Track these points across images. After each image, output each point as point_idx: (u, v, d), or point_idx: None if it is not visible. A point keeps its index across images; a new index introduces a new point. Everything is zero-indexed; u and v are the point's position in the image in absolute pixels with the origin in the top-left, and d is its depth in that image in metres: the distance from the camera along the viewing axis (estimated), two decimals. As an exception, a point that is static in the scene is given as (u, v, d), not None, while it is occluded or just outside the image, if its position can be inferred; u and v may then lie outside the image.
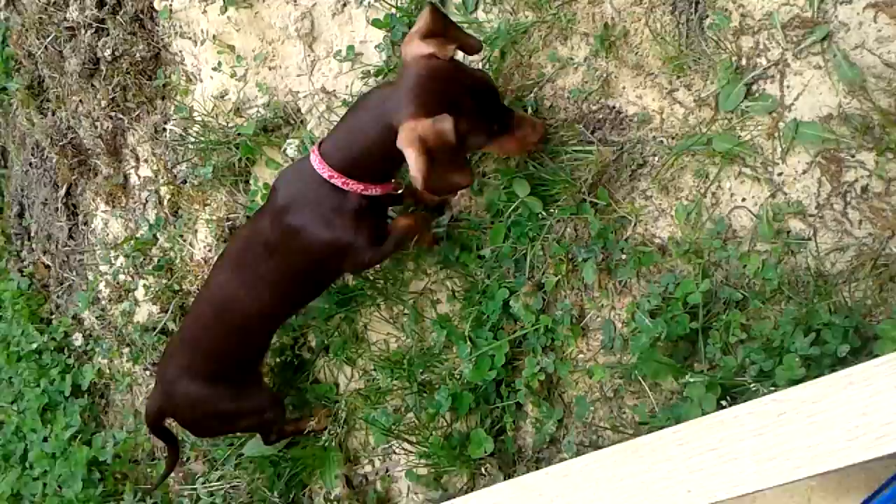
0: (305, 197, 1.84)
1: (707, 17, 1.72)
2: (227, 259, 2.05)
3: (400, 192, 1.89)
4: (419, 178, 1.55)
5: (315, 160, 1.79)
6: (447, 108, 1.58)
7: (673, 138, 1.78)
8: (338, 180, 1.77)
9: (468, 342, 1.99)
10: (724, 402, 1.59)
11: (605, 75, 1.85)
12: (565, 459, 1.84)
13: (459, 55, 1.76)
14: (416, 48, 1.66)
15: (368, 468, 2.33)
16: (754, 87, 1.68)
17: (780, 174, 1.66)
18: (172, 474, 2.59)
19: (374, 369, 2.24)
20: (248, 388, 2.22)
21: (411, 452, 2.10)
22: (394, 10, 2.14)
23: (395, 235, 1.94)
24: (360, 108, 1.79)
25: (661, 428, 1.28)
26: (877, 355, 1.39)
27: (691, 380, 1.63)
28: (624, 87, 1.84)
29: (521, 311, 1.94)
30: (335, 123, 1.91)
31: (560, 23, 1.89)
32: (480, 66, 2.01)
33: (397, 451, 2.18)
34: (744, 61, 1.69)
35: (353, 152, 1.76)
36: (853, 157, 1.58)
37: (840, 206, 1.60)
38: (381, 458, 2.28)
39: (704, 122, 1.73)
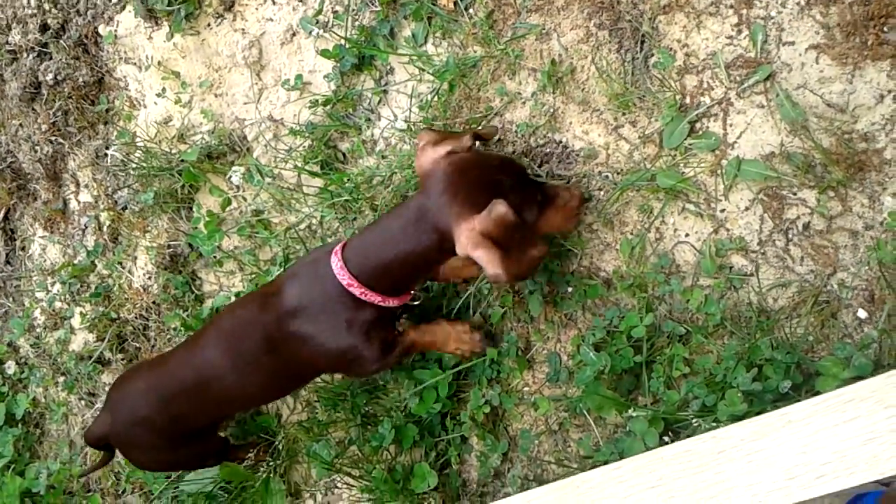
0: (319, 304, 1.73)
1: (652, 55, 1.75)
2: (222, 337, 1.91)
3: (417, 302, 1.84)
4: (501, 274, 1.47)
5: (336, 265, 1.68)
6: (491, 192, 1.52)
7: (618, 173, 1.80)
8: (356, 290, 1.67)
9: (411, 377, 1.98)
10: (666, 438, 1.59)
11: (552, 110, 1.87)
12: (509, 494, 1.83)
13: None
14: (432, 153, 1.61)
15: (310, 502, 2.28)
16: (698, 125, 1.70)
17: (722, 210, 1.68)
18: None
19: (318, 401, 2.21)
20: (202, 440, 2.16)
21: (354, 486, 2.07)
22: (343, 41, 2.13)
23: (402, 348, 1.85)
24: (394, 217, 1.67)
25: (606, 462, 1.28)
26: (818, 392, 1.41)
27: (634, 414, 1.63)
28: (571, 123, 1.85)
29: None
30: (362, 230, 1.81)
31: (508, 58, 1.90)
32: (429, 98, 2.01)
33: (339, 485, 2.15)
34: (688, 99, 1.71)
35: (382, 263, 1.65)
36: (795, 194, 1.61)
37: (782, 243, 1.63)
38: (322, 492, 2.24)
39: (649, 158, 1.75)
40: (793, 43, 1.59)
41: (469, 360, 1.93)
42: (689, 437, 1.21)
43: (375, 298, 1.68)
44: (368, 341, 1.75)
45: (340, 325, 1.73)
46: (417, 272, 1.68)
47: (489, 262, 1.47)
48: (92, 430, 2.15)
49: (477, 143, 1.67)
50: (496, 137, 1.78)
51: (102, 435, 2.12)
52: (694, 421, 1.57)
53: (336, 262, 1.68)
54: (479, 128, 1.72)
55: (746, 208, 1.66)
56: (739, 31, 1.65)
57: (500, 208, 1.48)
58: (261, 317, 1.80)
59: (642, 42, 1.76)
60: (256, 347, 1.82)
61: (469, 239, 1.49)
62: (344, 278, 1.67)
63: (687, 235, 1.73)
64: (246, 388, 1.90)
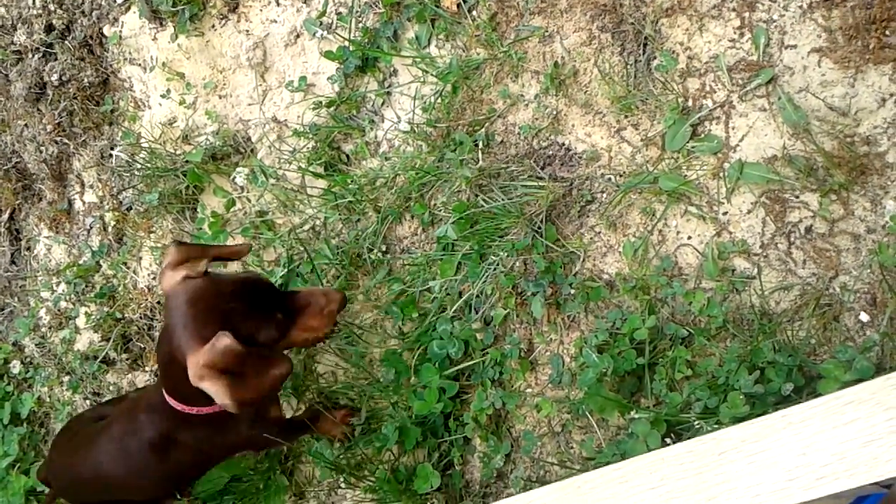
0: (182, 420, 1.78)
1: (655, 58, 1.75)
2: (112, 437, 1.97)
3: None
4: (229, 403, 1.50)
5: (170, 401, 1.75)
6: (219, 322, 1.53)
7: (621, 176, 1.80)
8: (191, 410, 1.73)
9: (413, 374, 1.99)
10: (668, 439, 1.59)
11: (554, 113, 1.87)
12: (512, 495, 1.83)
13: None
14: (169, 279, 1.62)
15: (314, 503, 2.29)
16: (700, 128, 1.70)
17: (725, 213, 1.69)
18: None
19: (321, 403, 2.21)
20: None
21: (357, 487, 2.07)
22: (346, 43, 2.14)
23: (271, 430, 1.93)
24: (158, 353, 1.73)
25: (608, 464, 1.28)
26: (820, 394, 1.42)
27: (637, 416, 1.63)
28: (573, 125, 1.86)
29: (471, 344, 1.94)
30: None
31: (511, 60, 1.90)
32: (432, 99, 2.02)
33: (343, 485, 2.15)
34: (690, 102, 1.71)
35: (181, 391, 1.69)
36: (797, 197, 1.61)
37: (784, 246, 1.63)
38: (326, 492, 2.25)
39: (651, 160, 1.76)
40: (795, 46, 1.60)
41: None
42: (691, 438, 1.21)
43: (191, 410, 1.73)
44: (271, 425, 1.91)
45: (211, 433, 1.82)
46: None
47: (216, 394, 1.49)
48: (41, 467, 2.31)
49: (225, 263, 1.70)
50: (246, 254, 1.81)
51: (44, 476, 2.27)
52: (696, 423, 1.57)
53: (168, 399, 1.74)
54: (229, 246, 1.74)
55: (749, 211, 1.66)
56: (742, 35, 1.66)
57: (223, 340, 1.49)
58: (145, 430, 1.87)
59: (645, 45, 1.77)
60: (143, 457, 1.89)
61: (195, 372, 1.50)
62: (176, 406, 1.73)
63: (689, 238, 1.73)
64: (140, 489, 2.01)
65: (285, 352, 1.73)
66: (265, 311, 1.62)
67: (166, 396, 1.74)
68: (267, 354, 1.60)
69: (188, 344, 1.52)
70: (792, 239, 1.62)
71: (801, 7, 1.59)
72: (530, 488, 1.76)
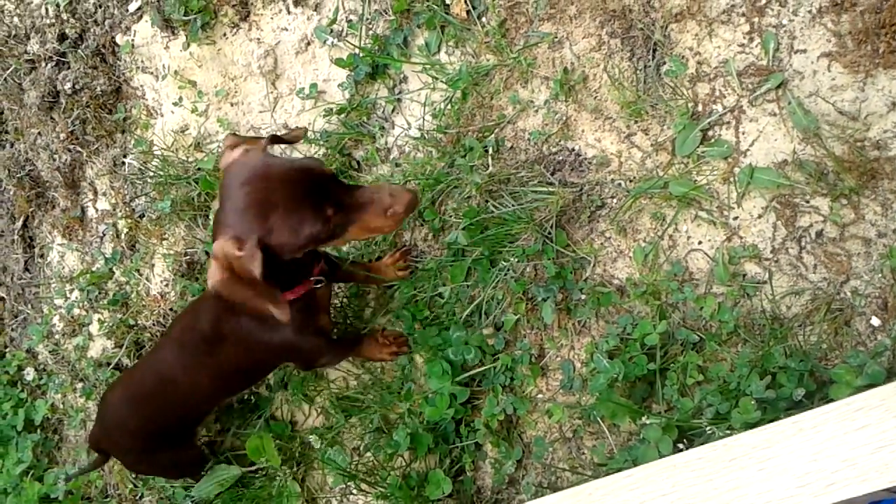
0: (233, 309, 1.77)
1: (664, 63, 1.75)
2: (174, 337, 2.04)
3: (320, 286, 1.82)
4: (210, 285, 1.48)
5: None
6: (259, 219, 1.48)
7: (631, 181, 1.80)
8: None
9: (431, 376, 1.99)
10: (680, 445, 1.59)
11: (564, 118, 1.87)
12: (524, 501, 1.84)
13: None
14: (228, 156, 1.59)
15: (325, 509, 2.30)
16: (710, 133, 1.70)
17: (735, 218, 1.69)
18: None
19: (333, 410, 2.22)
20: (179, 448, 2.27)
21: (369, 493, 2.08)
22: (357, 50, 2.15)
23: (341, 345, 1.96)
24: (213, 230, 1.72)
25: (619, 470, 1.28)
26: (831, 399, 1.41)
27: (648, 422, 1.63)
28: (583, 130, 1.86)
29: (481, 350, 1.95)
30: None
31: (521, 66, 1.91)
32: (443, 106, 2.03)
33: (355, 491, 2.15)
34: (700, 107, 1.71)
35: None
36: (808, 202, 1.61)
37: (795, 251, 1.63)
38: (338, 498, 2.25)
39: (661, 165, 1.76)
40: (805, 51, 1.60)
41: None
42: (703, 444, 1.21)
43: None
44: (312, 336, 1.88)
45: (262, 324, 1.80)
46: (276, 269, 1.57)
47: (210, 275, 1.48)
48: (90, 435, 2.30)
49: (282, 145, 1.68)
50: (301, 139, 1.73)
51: (95, 442, 2.27)
52: (708, 428, 1.57)
53: None
54: (287, 132, 1.68)
55: (759, 216, 1.66)
56: (751, 39, 1.66)
57: (250, 262, 1.46)
58: (201, 321, 1.91)
59: (654, 50, 1.77)
60: (199, 349, 1.94)
61: (215, 251, 1.48)
62: None
63: (700, 243, 1.73)
64: (196, 387, 2.01)
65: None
66: (315, 205, 1.52)
67: None
68: (273, 293, 1.53)
69: (224, 227, 1.50)
70: (803, 243, 1.62)
71: (810, 12, 1.59)
72: (542, 494, 1.76)
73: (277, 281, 1.55)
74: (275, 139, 1.64)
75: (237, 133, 1.68)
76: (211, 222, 2.29)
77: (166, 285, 2.62)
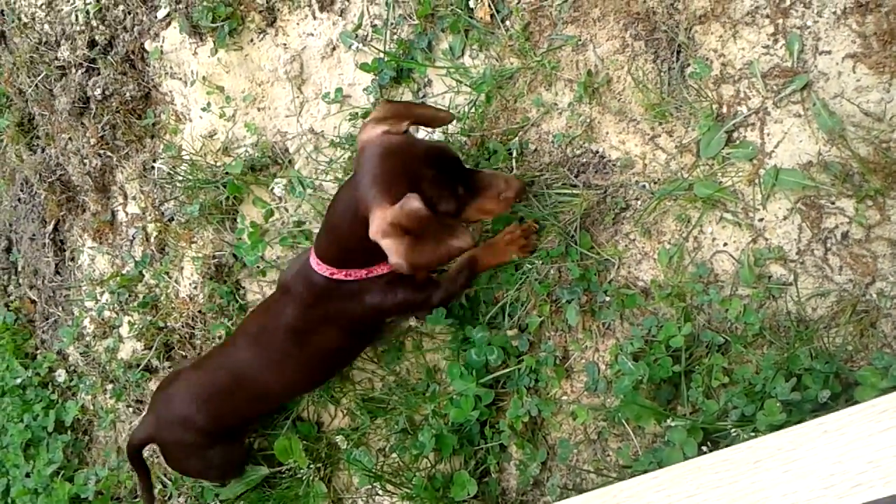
0: (325, 292, 1.85)
1: (688, 65, 1.75)
2: (251, 336, 2.07)
3: None
4: (404, 264, 1.54)
5: (314, 263, 1.82)
6: (408, 183, 1.58)
7: (655, 183, 1.80)
8: (339, 275, 1.80)
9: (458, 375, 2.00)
10: (705, 448, 1.59)
11: (588, 120, 1.88)
12: (549, 503, 1.84)
13: (424, 133, 1.75)
14: (370, 131, 1.66)
15: (352, 509, 2.32)
16: (735, 135, 1.70)
17: (761, 220, 1.68)
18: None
19: (359, 411, 2.24)
20: (232, 444, 2.31)
21: (395, 494, 2.09)
22: (381, 55, 2.16)
23: (467, 271, 1.94)
24: (335, 203, 1.78)
25: (644, 472, 1.28)
26: (857, 401, 1.41)
27: (673, 424, 1.63)
28: (607, 133, 1.87)
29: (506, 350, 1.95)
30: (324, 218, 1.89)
31: (544, 69, 1.91)
32: (466, 109, 2.04)
33: (380, 492, 2.17)
34: (724, 109, 1.71)
35: (343, 248, 1.77)
36: (833, 203, 1.60)
37: (821, 252, 1.62)
38: (364, 499, 2.27)
39: (686, 167, 1.76)
40: (829, 52, 1.59)
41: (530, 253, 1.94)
42: (728, 446, 1.21)
43: (361, 274, 1.79)
44: (400, 289, 1.87)
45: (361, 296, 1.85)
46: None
47: (393, 252, 1.54)
48: (136, 433, 2.31)
49: (422, 127, 1.74)
50: (451, 122, 1.81)
51: (147, 436, 2.28)
52: (733, 431, 1.57)
53: (314, 261, 1.82)
54: (432, 107, 1.75)
55: (785, 217, 1.66)
56: (776, 41, 1.65)
57: (413, 202, 1.54)
58: (283, 316, 1.95)
59: (678, 52, 1.77)
60: (284, 345, 1.97)
61: (379, 227, 1.55)
62: (325, 272, 1.80)
63: (725, 245, 1.73)
64: (282, 380, 2.06)
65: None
66: (450, 182, 1.65)
67: (314, 261, 1.80)
68: (450, 223, 1.64)
69: (376, 198, 1.57)
70: (828, 245, 1.61)
71: (834, 13, 1.59)
72: (567, 496, 1.77)
73: (376, 253, 1.61)
74: (419, 119, 1.73)
75: (391, 100, 1.75)
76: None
77: (195, 288, 2.65)
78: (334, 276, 1.80)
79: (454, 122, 1.88)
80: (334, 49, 2.32)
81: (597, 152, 1.88)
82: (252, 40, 2.48)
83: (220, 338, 2.57)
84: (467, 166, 1.74)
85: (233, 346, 2.13)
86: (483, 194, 1.71)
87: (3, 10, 3.15)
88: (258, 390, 2.09)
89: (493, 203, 1.73)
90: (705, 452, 1.54)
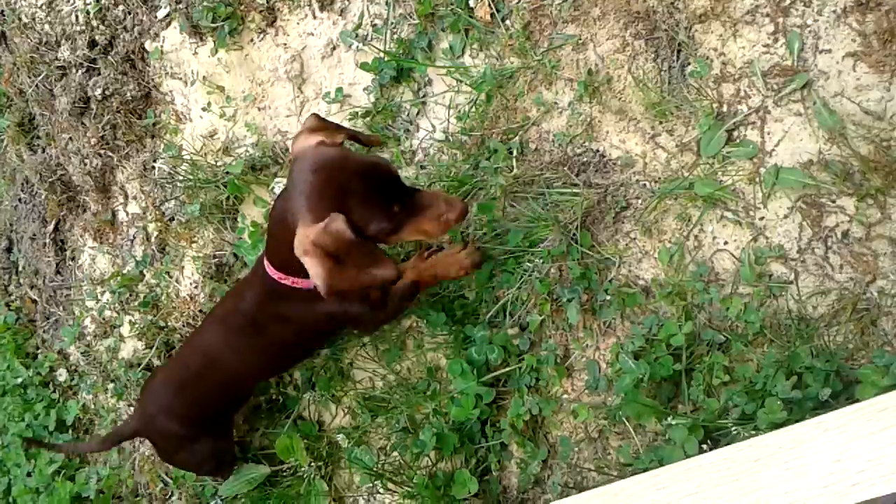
0: (277, 294, 1.83)
1: (688, 64, 1.76)
2: (218, 318, 2.08)
3: None
4: (323, 287, 1.50)
5: (266, 265, 1.80)
6: (336, 201, 1.53)
7: (656, 182, 1.80)
8: (287, 281, 1.76)
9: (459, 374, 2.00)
10: (705, 446, 1.59)
11: (588, 120, 1.88)
12: (549, 501, 1.84)
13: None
14: (305, 140, 1.62)
15: (353, 508, 2.32)
16: (735, 133, 1.70)
17: (761, 218, 1.69)
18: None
19: (360, 410, 2.24)
20: (219, 437, 2.30)
21: (396, 492, 2.09)
22: (382, 54, 2.16)
23: (402, 292, 1.93)
24: (272, 212, 1.73)
25: (645, 470, 1.28)
26: (857, 399, 1.41)
27: (674, 422, 1.63)
28: (607, 132, 1.87)
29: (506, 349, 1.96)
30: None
31: (545, 69, 1.91)
32: (467, 108, 2.04)
33: (382, 491, 2.17)
34: (725, 108, 1.71)
35: (283, 258, 1.70)
36: (834, 202, 1.60)
37: (821, 251, 1.62)
38: (365, 497, 2.27)
39: (686, 166, 1.76)
40: (829, 51, 1.59)
41: (471, 274, 1.97)
42: (728, 444, 1.21)
43: (309, 284, 1.70)
44: (355, 302, 1.86)
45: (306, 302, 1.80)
46: None
47: (313, 273, 1.50)
48: (122, 427, 2.35)
49: (356, 143, 1.70)
50: (379, 145, 1.81)
51: (132, 431, 2.31)
52: (733, 429, 1.57)
53: (267, 265, 1.79)
54: (364, 132, 1.71)
55: (785, 216, 1.66)
56: (776, 40, 1.66)
57: (337, 223, 1.50)
58: (245, 301, 1.96)
59: (678, 51, 1.77)
60: (247, 327, 1.97)
61: (301, 245, 1.51)
62: (274, 275, 1.78)
63: (726, 243, 1.73)
64: (245, 362, 2.06)
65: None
66: (384, 200, 1.59)
67: (266, 263, 1.79)
68: (375, 251, 1.60)
69: (302, 214, 1.53)
70: (829, 243, 1.61)
71: (835, 11, 1.59)
72: (567, 494, 1.77)
73: None
74: (353, 137, 1.69)
75: (319, 115, 1.72)
76: (238, 225, 2.32)
77: (196, 287, 2.65)
78: (282, 281, 1.77)
79: (381, 144, 1.89)
80: (334, 48, 2.32)
81: (597, 151, 1.88)
82: (252, 40, 2.48)
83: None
84: (407, 184, 1.68)
85: (204, 328, 2.16)
86: (422, 214, 1.64)
87: (3, 11, 3.15)
88: (226, 373, 2.08)
89: (432, 224, 1.67)
90: (706, 450, 1.55)
